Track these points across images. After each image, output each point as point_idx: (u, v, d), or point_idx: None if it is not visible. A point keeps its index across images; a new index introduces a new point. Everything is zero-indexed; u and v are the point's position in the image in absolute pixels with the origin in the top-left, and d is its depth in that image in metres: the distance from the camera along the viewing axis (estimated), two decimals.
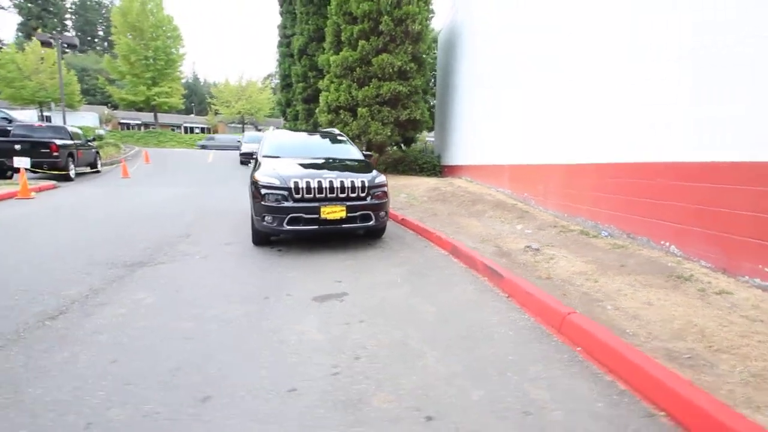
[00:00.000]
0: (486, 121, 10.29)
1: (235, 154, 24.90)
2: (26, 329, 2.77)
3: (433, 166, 14.86)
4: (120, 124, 40.66)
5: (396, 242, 5.62)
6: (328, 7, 14.57)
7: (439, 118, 15.68)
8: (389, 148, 15.15)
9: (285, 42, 19.43)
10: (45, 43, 19.08)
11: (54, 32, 25.55)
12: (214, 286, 3.69)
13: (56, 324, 2.87)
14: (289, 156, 5.70)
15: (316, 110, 14.98)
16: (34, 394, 2.05)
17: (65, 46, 19.14)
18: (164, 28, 30.11)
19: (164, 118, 41.14)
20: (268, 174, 4.84)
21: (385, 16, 12.73)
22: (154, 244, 5.23)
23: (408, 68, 13.44)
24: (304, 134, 6.60)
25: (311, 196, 4.69)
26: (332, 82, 14.39)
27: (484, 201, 8.39)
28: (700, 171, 3.78)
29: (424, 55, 13.94)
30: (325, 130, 7.20)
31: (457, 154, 13.68)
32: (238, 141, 20.93)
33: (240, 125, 45.33)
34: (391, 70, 13.19)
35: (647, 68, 4.68)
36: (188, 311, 3.11)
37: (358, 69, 13.55)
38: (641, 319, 2.91)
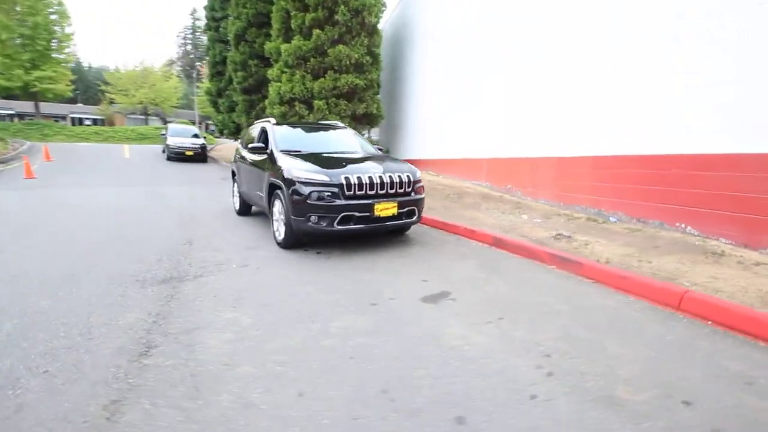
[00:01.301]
0: (453, 119, 10.63)
1: (154, 149, 22.19)
2: (128, 373, 2.18)
3: None
4: None
5: (423, 237, 5.55)
6: None
7: (387, 113, 15.75)
8: None
9: (214, 26, 17.63)
10: None
11: None
12: (299, 297, 3.29)
13: (160, 361, 2.30)
14: (309, 150, 5.27)
15: (266, 101, 14.00)
16: None
17: None
18: (45, 1, 25.19)
19: (46, 107, 34.68)
20: (309, 169, 4.42)
21: (342, 6, 12.37)
22: (161, 254, 4.45)
23: (364, 61, 13.25)
24: (308, 128, 6.13)
25: (363, 192, 4.41)
26: (283, 72, 13.59)
27: (469, 194, 8.70)
28: (719, 161, 4.42)
29: (377, 49, 13.83)
30: (326, 122, 6.77)
31: (411, 149, 13.93)
32: (162, 134, 18.58)
33: (143, 116, 40.22)
34: (348, 63, 12.88)
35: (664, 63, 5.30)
36: (309, 326, 2.73)
37: (312, 59, 12.99)
38: (723, 291, 3.31)
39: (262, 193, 5.36)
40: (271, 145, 5.32)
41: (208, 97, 18.79)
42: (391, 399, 1.95)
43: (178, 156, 16.76)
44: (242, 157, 6.61)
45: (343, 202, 4.31)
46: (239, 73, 15.28)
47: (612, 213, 5.84)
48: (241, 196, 6.80)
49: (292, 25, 13.05)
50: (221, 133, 18.85)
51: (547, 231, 5.55)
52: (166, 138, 17.36)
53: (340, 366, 2.24)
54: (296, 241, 4.70)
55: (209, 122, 40.63)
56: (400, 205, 4.62)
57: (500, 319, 2.88)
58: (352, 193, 4.35)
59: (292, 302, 3.17)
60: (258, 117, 16.50)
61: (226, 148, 24.21)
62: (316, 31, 12.53)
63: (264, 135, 5.81)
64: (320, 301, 3.20)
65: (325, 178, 4.32)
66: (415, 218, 4.90)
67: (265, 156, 5.40)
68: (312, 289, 3.47)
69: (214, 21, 17.67)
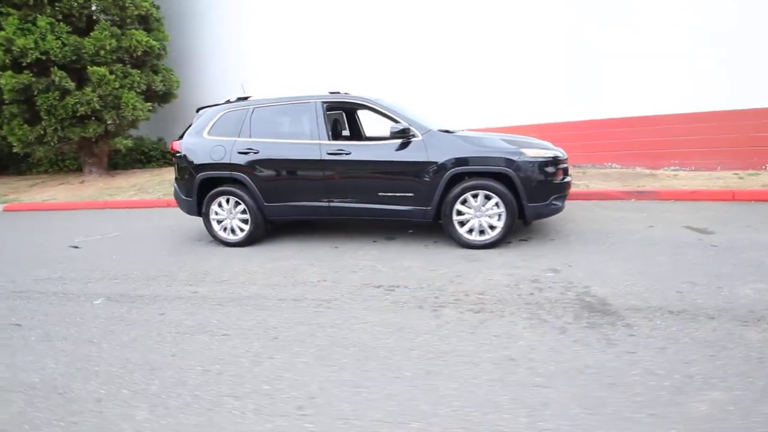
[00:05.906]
0: None
1: None
2: None
3: None
4: None
5: None
6: None
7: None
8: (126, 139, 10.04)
9: None
10: None
11: None
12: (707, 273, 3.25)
13: None
14: (439, 128, 4.29)
15: None
16: None
17: None
18: None
19: None
20: (544, 146, 3.92)
21: None
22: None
23: (153, 15, 9.69)
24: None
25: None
26: (4, 13, 7.86)
27: None
28: (621, 122, 7.23)
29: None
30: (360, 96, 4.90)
31: None
32: None
33: None
34: (133, 12, 9.08)
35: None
36: None
37: None
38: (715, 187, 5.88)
39: (411, 193, 3.91)
40: (416, 129, 3.91)
41: None
42: None
43: None
44: (270, 160, 4.15)
45: (568, 177, 4.11)
46: None
47: None
48: (263, 214, 4.28)
49: None
50: None
51: None
52: None
53: None
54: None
55: None
56: None
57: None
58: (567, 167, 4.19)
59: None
60: None
61: None
62: None
63: (339, 118, 4.08)
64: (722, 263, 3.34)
65: (559, 155, 3.92)
66: None
67: (404, 143, 3.88)
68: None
69: None
